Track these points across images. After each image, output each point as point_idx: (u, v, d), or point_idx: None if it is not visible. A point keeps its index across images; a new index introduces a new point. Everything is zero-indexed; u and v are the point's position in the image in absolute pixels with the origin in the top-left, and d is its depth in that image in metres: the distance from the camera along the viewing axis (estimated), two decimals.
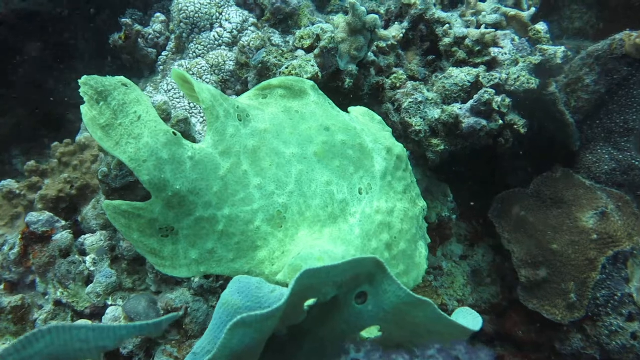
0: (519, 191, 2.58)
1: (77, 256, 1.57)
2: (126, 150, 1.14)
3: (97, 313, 1.53)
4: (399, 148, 1.48)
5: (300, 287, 0.89)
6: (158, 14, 2.13)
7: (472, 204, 2.73)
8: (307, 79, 1.60)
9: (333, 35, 1.64)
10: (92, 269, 1.55)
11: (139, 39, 2.03)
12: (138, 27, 1.99)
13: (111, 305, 1.51)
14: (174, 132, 1.16)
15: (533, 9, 2.27)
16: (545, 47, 2.13)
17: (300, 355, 1.16)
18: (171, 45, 2.05)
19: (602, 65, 2.21)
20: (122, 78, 1.21)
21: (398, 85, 2.15)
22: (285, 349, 1.16)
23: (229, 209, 1.21)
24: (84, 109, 1.17)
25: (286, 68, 1.64)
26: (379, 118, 1.60)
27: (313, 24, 1.91)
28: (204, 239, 1.22)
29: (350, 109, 1.61)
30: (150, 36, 2.07)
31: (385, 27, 2.45)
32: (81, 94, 1.15)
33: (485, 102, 1.86)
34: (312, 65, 1.62)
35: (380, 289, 1.03)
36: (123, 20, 1.95)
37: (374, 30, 1.73)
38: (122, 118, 1.16)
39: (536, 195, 2.54)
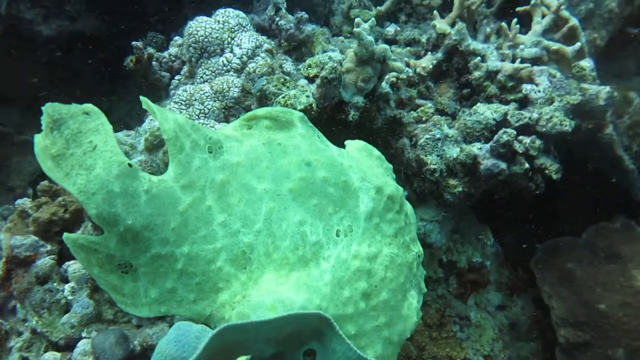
0: (568, 240, 2.45)
1: (56, 284, 1.60)
2: (75, 182, 1.14)
3: (72, 344, 1.53)
4: (391, 187, 1.41)
5: (221, 343, 0.85)
6: (176, 38, 2.18)
7: (523, 246, 2.59)
8: (300, 109, 1.57)
9: (335, 65, 1.61)
10: (70, 297, 1.57)
11: (153, 62, 2.08)
12: (151, 50, 2.04)
13: (85, 337, 1.52)
14: (129, 164, 1.15)
15: (578, 44, 2.14)
16: (586, 86, 1.99)
17: None
18: (185, 69, 2.09)
19: None
20: (87, 106, 1.22)
21: (424, 119, 2.08)
22: None
23: (188, 246, 1.19)
24: (36, 138, 1.18)
25: (282, 97, 1.62)
26: (377, 153, 1.55)
27: (325, 52, 1.89)
28: (163, 278, 1.20)
29: (347, 142, 1.56)
30: (165, 59, 2.12)
31: (423, 57, 2.39)
32: (41, 122, 1.18)
33: (503, 143, 1.75)
34: (307, 96, 1.59)
35: (329, 347, 0.98)
36: (133, 43, 2.00)
37: (384, 61, 1.68)
38: (74, 148, 1.16)
39: (588, 246, 2.40)
